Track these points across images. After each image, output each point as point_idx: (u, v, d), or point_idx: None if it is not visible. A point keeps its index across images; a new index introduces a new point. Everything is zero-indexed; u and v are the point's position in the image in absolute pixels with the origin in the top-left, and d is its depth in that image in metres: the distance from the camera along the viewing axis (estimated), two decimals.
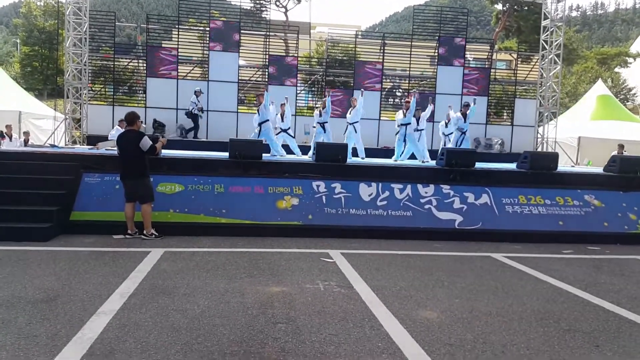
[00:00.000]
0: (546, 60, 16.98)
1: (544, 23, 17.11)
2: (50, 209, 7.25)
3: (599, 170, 11.16)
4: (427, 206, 8.70)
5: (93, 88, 16.12)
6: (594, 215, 9.01)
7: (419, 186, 8.96)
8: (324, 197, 8.52)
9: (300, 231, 7.94)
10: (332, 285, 5.24)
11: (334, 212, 8.36)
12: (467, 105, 12.36)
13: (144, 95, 15.90)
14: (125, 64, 16.71)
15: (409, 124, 12.05)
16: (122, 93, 16.75)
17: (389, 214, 8.51)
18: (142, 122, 7.93)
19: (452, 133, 12.86)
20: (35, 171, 8.15)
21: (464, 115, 12.29)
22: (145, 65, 15.92)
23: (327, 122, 12.17)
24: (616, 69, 42.12)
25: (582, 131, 18.59)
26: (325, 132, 12.17)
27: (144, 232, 7.15)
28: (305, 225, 8.07)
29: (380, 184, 8.87)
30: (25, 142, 14.50)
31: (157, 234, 7.17)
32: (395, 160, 11.97)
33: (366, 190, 8.78)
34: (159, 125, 14.97)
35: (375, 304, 4.68)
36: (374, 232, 8.17)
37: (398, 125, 12.32)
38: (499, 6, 32.38)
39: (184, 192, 8.11)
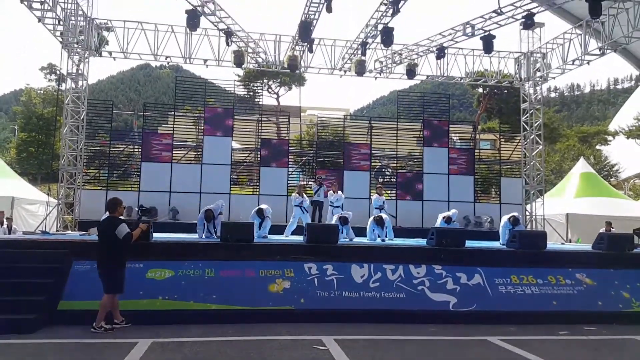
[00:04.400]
0: (528, 140, 17.63)
1: (523, 106, 17.97)
2: (37, 299, 7.09)
3: (589, 247, 11.25)
4: (420, 287, 8.65)
5: (88, 173, 16.35)
6: (587, 294, 8.98)
7: (411, 266, 8.96)
8: (315, 280, 8.46)
9: (292, 316, 7.79)
10: None
11: (326, 295, 8.27)
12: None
13: (138, 179, 16.12)
14: (121, 149, 17.09)
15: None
16: (116, 177, 16.98)
17: (382, 295, 8.43)
18: (124, 207, 7.95)
19: None
20: (23, 259, 8.03)
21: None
22: (140, 150, 16.28)
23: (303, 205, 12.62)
24: (597, 147, 43.67)
25: (569, 208, 18.90)
26: (304, 213, 12.53)
27: (93, 324, 6.77)
28: (297, 309, 7.94)
29: (372, 265, 8.86)
30: (9, 228, 14.34)
31: (107, 327, 6.80)
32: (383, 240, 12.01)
33: (358, 272, 8.74)
34: (145, 211, 14.88)
35: None
36: (367, 315, 8.03)
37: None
38: (480, 89, 33.99)
39: (174, 277, 8.01)
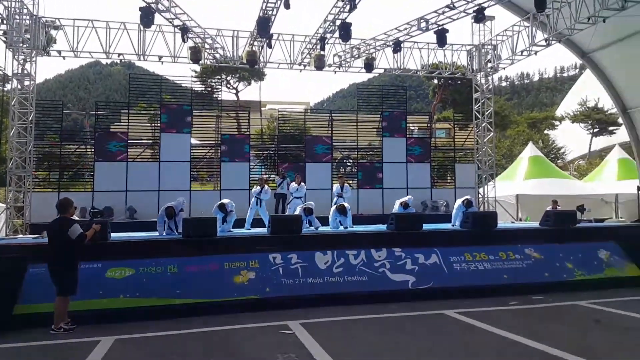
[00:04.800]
0: (480, 128, 18.34)
1: (475, 95, 18.65)
2: None
3: (536, 224, 11.94)
4: (381, 269, 9.01)
5: (37, 175, 15.89)
6: (535, 267, 9.60)
7: (373, 251, 9.31)
8: (280, 269, 8.67)
9: (258, 305, 7.97)
10: (292, 357, 5.31)
11: (291, 282, 8.49)
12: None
13: (92, 179, 15.81)
14: (73, 149, 16.68)
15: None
16: (69, 178, 16.59)
17: (345, 279, 8.73)
18: (76, 208, 7.85)
19: None
20: None
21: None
22: (93, 150, 15.96)
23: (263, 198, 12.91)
24: (545, 131, 45.69)
25: (519, 189, 19.86)
26: (260, 206, 12.78)
27: (52, 326, 6.73)
28: (262, 298, 8.13)
29: (335, 252, 9.15)
30: None
31: (66, 327, 6.77)
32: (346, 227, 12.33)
33: (322, 259, 9.01)
34: (96, 213, 14.60)
35: None
36: (331, 299, 8.29)
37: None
38: (435, 81, 34.91)
39: (135, 275, 8.00)
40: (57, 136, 16.19)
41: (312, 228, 11.80)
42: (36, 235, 11.32)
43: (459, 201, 12.84)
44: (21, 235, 13.40)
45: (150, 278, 8.04)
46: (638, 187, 17.25)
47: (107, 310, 7.34)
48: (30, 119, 14.67)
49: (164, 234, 10.57)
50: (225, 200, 11.80)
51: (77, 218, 11.17)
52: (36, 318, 7.09)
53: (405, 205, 12.90)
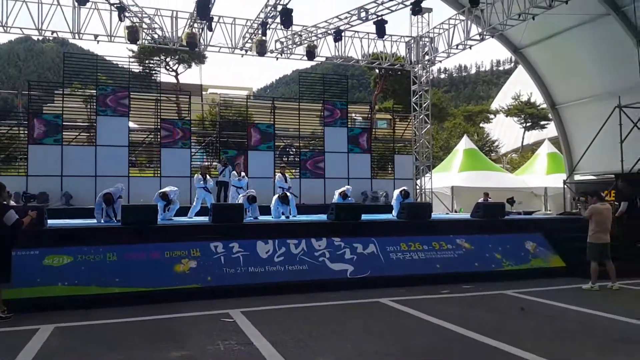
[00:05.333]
0: (418, 120, 19.02)
1: (413, 87, 19.29)
2: None
3: (468, 216, 12.65)
4: (321, 259, 9.27)
5: None
6: (466, 257, 10.19)
7: (313, 240, 9.55)
8: (222, 258, 8.73)
9: (200, 294, 8.02)
10: (232, 344, 5.46)
11: (232, 271, 8.58)
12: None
13: (25, 163, 15.04)
14: (5, 131, 15.76)
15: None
16: (5, 163, 15.67)
17: (286, 269, 8.93)
18: (9, 193, 7.57)
19: None
20: None
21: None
22: (26, 132, 15.17)
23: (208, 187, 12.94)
24: (481, 124, 47.74)
25: (454, 181, 20.81)
26: (209, 193, 12.81)
27: None
28: (204, 287, 8.18)
29: (276, 241, 9.31)
30: None
31: (2, 315, 6.60)
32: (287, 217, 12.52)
33: (263, 248, 9.15)
34: (29, 197, 14.01)
35: (275, 357, 5.00)
36: (272, 288, 8.48)
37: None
38: (377, 71, 35.54)
39: (73, 263, 7.85)
40: None
41: (251, 218, 11.86)
42: None
43: (396, 192, 13.36)
44: None
45: (89, 266, 7.90)
46: (564, 181, 18.58)
47: (45, 298, 7.19)
48: None
49: (102, 221, 10.32)
50: (167, 189, 11.65)
51: (13, 203, 10.68)
52: None
53: (344, 195, 13.24)
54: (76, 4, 14.45)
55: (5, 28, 14.84)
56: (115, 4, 14.39)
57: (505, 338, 5.61)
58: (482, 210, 11.87)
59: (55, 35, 15.82)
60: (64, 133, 15.56)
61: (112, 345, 5.50)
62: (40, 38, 15.17)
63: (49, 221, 9.20)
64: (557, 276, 10.20)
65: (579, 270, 9.85)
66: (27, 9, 14.78)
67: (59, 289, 7.49)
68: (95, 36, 15.79)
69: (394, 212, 12.93)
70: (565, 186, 18.10)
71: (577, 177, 19.36)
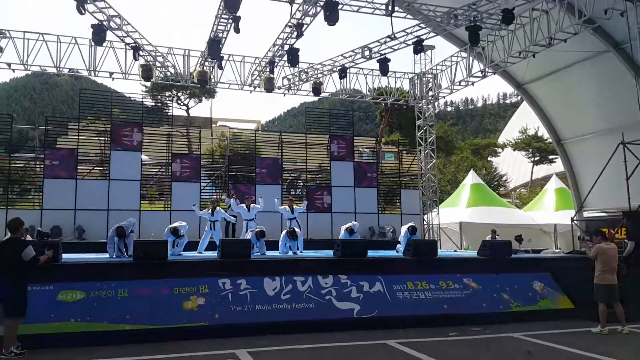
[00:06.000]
0: (424, 154, 19.23)
1: (418, 122, 19.58)
2: None
3: (475, 254, 12.65)
4: (327, 297, 9.32)
5: None
6: (473, 297, 10.14)
7: (320, 277, 9.61)
8: (230, 295, 8.82)
9: (207, 332, 8.08)
10: None
11: (240, 309, 8.64)
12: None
13: (39, 195, 15.36)
14: (21, 165, 16.18)
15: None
16: (16, 195, 16.02)
17: (292, 307, 8.97)
18: (26, 229, 7.81)
19: None
20: None
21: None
22: (42, 165, 15.55)
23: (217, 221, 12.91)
24: (489, 158, 47.78)
25: (462, 217, 20.80)
26: (214, 230, 12.79)
27: (3, 351, 6.67)
28: (211, 325, 8.24)
29: (283, 277, 9.39)
30: None
31: (17, 352, 6.73)
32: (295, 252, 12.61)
33: (270, 285, 9.23)
34: (43, 235, 14.20)
35: None
36: (279, 326, 8.51)
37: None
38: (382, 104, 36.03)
39: (85, 299, 7.99)
40: (5, 150, 15.68)
41: (258, 254, 11.94)
42: None
43: (404, 228, 13.44)
44: None
45: (101, 302, 8.03)
46: (572, 218, 18.46)
47: (58, 334, 7.31)
48: None
49: (114, 256, 10.49)
50: (177, 224, 11.82)
51: (29, 238, 10.92)
52: None
53: (350, 231, 13.33)
54: (93, 43, 14.96)
55: (25, 66, 15.41)
56: (131, 44, 14.92)
57: None
58: (489, 248, 11.86)
59: (73, 72, 16.37)
60: (78, 167, 15.93)
61: None
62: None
63: (64, 255, 9.37)
64: (566, 318, 10.03)
65: (587, 312, 9.67)
66: (46, 48, 15.35)
67: (71, 325, 7.61)
68: (111, 73, 16.33)
69: (400, 248, 12.97)
70: (574, 223, 18.01)
71: (585, 214, 19.26)
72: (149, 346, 7.35)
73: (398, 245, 13.70)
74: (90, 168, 17.04)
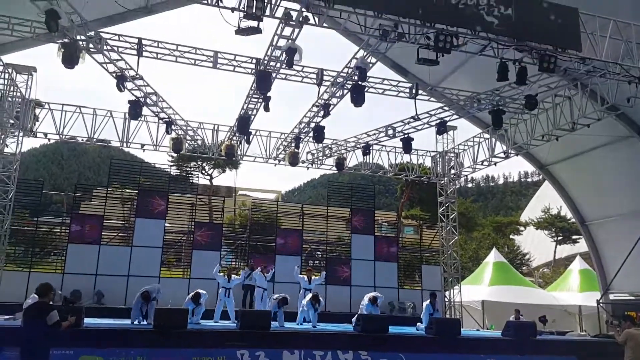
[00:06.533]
0: (445, 230, 19.18)
1: (439, 199, 19.71)
2: None
3: (499, 334, 12.30)
4: None
5: (10, 253, 15.62)
6: None
7: (339, 352, 9.48)
8: None
9: None
10: None
11: None
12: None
13: (61, 259, 15.67)
14: (48, 229, 16.68)
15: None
16: (40, 258, 16.38)
17: None
18: (54, 293, 8.01)
19: None
20: None
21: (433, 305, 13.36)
22: (67, 230, 16.00)
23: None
24: (511, 236, 47.06)
25: (484, 295, 20.32)
26: (228, 296, 12.86)
27: None
28: None
29: (302, 352, 9.30)
30: None
31: None
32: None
33: (289, 358, 9.09)
34: (69, 301, 14.36)
35: None
36: None
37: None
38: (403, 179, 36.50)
39: None
40: (27, 212, 16.20)
41: (278, 325, 11.81)
42: (8, 317, 11.06)
43: (426, 302, 13.31)
44: None
45: None
46: (597, 300, 17.92)
47: None
48: (10, 196, 14.78)
49: (136, 322, 10.52)
50: (201, 291, 11.89)
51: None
52: None
53: (373, 300, 13.15)
54: (128, 117, 15.82)
55: (61, 136, 16.29)
56: (164, 118, 15.75)
57: None
58: (513, 329, 11.59)
59: (107, 143, 17.24)
60: (103, 233, 16.32)
61: None
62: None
63: (85, 320, 9.45)
64: None
65: None
66: (82, 119, 16.24)
67: None
68: (142, 145, 17.06)
69: (421, 326, 12.69)
70: (600, 306, 17.44)
71: (612, 297, 18.67)
72: None
73: (419, 324, 13.43)
74: (115, 234, 17.41)
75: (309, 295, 12.77)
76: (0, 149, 14.78)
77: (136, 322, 10.52)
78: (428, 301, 13.31)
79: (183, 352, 8.66)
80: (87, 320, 10.15)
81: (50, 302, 7.47)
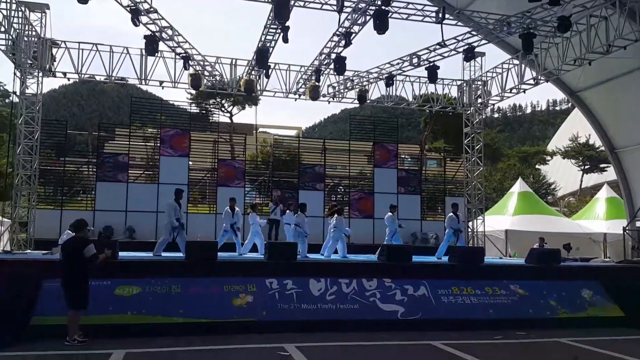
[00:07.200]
0: (470, 162, 18.97)
1: (465, 130, 19.33)
2: (8, 315, 7.31)
3: (522, 261, 12.42)
4: (371, 299, 9.41)
5: (41, 193, 16.17)
6: (520, 303, 10.02)
7: (364, 280, 9.72)
8: (276, 294, 9.06)
9: (256, 327, 8.36)
10: None
11: (286, 307, 8.87)
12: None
13: (89, 198, 16.15)
14: (76, 168, 17.08)
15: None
16: (70, 197, 16.90)
17: (337, 307, 9.13)
18: (89, 229, 8.34)
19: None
20: None
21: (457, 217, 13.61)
22: (95, 169, 16.36)
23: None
24: (537, 166, 46.51)
25: (508, 225, 20.37)
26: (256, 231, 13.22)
27: (67, 338, 7.13)
28: (260, 321, 8.52)
29: (328, 280, 9.55)
30: None
31: (79, 339, 7.14)
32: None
33: (316, 286, 9.41)
34: (105, 236, 14.88)
35: None
36: (324, 324, 8.67)
37: None
38: (427, 110, 35.78)
39: (141, 293, 8.42)
40: (53, 153, 16.56)
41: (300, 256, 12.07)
42: (45, 252, 11.61)
43: (449, 215, 13.87)
44: (29, 251, 13.64)
45: (156, 297, 8.46)
46: (624, 227, 17.82)
47: (116, 325, 7.78)
48: (36, 137, 15.07)
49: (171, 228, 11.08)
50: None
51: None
52: (52, 329, 7.39)
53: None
54: (145, 53, 15.62)
55: (79, 75, 16.25)
56: (181, 54, 15.50)
57: None
58: (537, 256, 11.66)
59: (125, 81, 17.16)
60: (129, 171, 16.66)
61: None
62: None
63: (120, 254, 9.87)
64: (615, 326, 9.82)
65: (638, 320, 9.44)
66: (99, 57, 16.10)
67: (128, 317, 8.06)
68: (161, 82, 16.93)
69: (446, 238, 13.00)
70: (626, 233, 17.35)
71: (638, 224, 18.52)
72: (201, 338, 7.68)
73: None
74: (141, 172, 17.75)
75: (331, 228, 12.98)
76: (22, 90, 14.84)
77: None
78: (450, 214, 13.49)
79: (215, 280, 9.00)
80: (125, 254, 10.65)
81: (85, 237, 7.77)
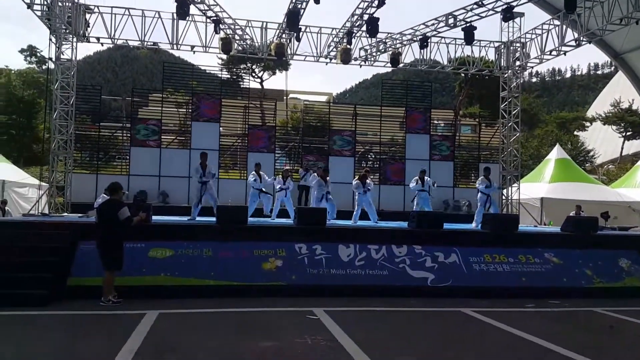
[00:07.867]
0: (506, 127, 18.39)
1: (502, 94, 18.66)
2: (47, 276, 7.61)
3: (557, 229, 12.10)
4: (401, 265, 9.36)
5: (77, 157, 16.62)
6: (554, 271, 9.79)
7: (394, 246, 9.66)
8: (306, 259, 9.11)
9: (285, 291, 8.46)
10: (318, 339, 5.75)
11: (315, 272, 8.93)
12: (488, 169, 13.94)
13: (127, 163, 16.50)
14: (111, 134, 17.42)
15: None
16: (105, 162, 17.32)
17: (367, 273, 9.13)
18: (124, 192, 8.52)
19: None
20: (30, 240, 8.57)
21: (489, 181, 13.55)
22: (129, 135, 16.63)
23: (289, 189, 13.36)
24: (575, 133, 44.93)
25: (544, 192, 19.82)
26: (286, 196, 13.29)
27: (102, 298, 7.38)
28: (289, 285, 8.61)
29: (357, 245, 9.53)
30: (3, 211, 14.69)
31: (114, 300, 7.37)
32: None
33: (345, 252, 9.41)
34: (140, 200, 15.24)
35: (358, 353, 5.21)
36: (353, 290, 8.72)
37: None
38: (462, 75, 34.76)
39: (174, 256, 8.61)
40: (91, 119, 16.88)
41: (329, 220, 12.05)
42: (81, 215, 11.99)
43: (479, 179, 13.82)
44: (66, 214, 14.13)
45: (188, 259, 8.64)
46: None
47: (149, 286, 8.02)
48: (71, 102, 15.38)
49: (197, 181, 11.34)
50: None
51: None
52: (88, 290, 7.70)
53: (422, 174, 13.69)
54: (176, 17, 15.54)
55: (112, 40, 16.34)
56: (212, 17, 15.36)
57: (592, 354, 5.42)
58: (573, 224, 11.31)
59: (157, 46, 17.19)
60: (162, 136, 16.89)
61: (208, 332, 6.01)
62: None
63: (154, 217, 10.09)
64: None
65: None
66: (132, 22, 16.12)
67: (161, 279, 8.28)
68: (192, 47, 16.89)
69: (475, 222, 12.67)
70: None
71: None
72: (231, 300, 7.82)
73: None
74: (173, 137, 17.95)
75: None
76: (57, 56, 15.04)
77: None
78: (481, 177, 13.24)
79: (245, 244, 9.12)
80: (158, 218, 10.89)
81: (120, 200, 7.94)
